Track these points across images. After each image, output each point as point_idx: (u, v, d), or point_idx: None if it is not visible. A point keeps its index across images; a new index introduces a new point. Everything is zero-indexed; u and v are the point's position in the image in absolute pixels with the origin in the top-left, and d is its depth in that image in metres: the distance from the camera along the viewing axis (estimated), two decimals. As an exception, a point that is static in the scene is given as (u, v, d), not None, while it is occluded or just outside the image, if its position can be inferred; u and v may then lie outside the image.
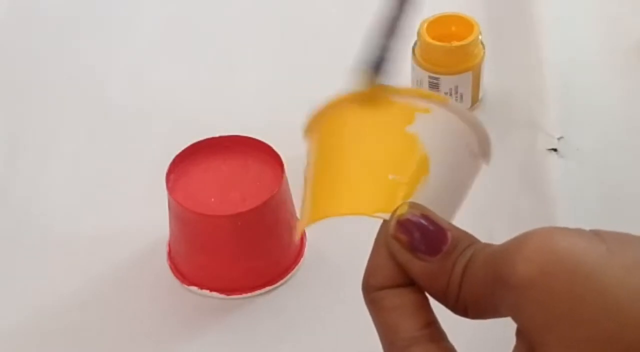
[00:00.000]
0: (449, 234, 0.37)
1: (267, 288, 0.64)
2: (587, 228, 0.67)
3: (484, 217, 0.67)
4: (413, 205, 0.38)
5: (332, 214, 0.39)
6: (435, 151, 0.39)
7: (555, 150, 0.71)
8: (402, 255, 0.37)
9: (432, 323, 0.37)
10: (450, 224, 0.37)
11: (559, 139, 0.72)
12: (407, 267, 0.37)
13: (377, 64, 0.39)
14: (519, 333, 0.35)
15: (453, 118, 0.40)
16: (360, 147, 0.40)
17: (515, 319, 0.34)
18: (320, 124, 0.42)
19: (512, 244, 0.34)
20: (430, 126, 0.39)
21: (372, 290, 0.38)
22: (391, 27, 0.39)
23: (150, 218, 0.67)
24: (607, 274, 0.32)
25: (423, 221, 0.37)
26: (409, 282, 0.38)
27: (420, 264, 0.37)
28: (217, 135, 0.64)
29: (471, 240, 0.37)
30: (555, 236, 0.33)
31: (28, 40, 0.85)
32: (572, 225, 0.68)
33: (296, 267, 0.65)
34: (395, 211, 0.38)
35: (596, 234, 0.34)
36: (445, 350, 0.36)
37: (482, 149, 0.41)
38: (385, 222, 0.38)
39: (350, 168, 0.40)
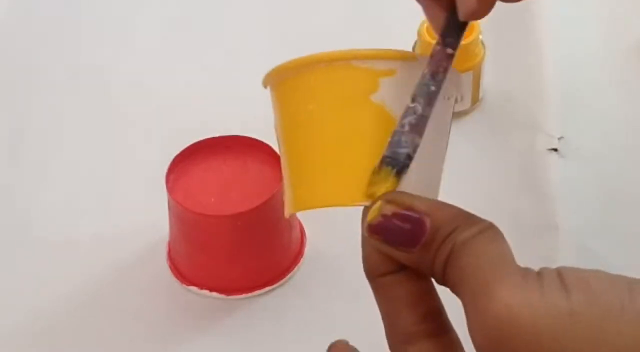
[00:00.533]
0: (427, 223, 0.35)
1: (267, 288, 0.64)
2: (587, 228, 0.67)
3: (484, 217, 0.67)
4: (386, 201, 0.36)
5: (311, 206, 0.38)
6: None
7: (555, 150, 0.71)
8: (384, 248, 0.36)
9: (432, 314, 0.37)
10: (431, 204, 0.36)
11: (559, 139, 0.72)
12: (393, 257, 0.36)
13: (403, 163, 0.37)
14: None
15: (419, 72, 0.38)
16: (328, 125, 0.37)
17: None
18: (284, 81, 0.39)
19: (471, 310, 0.33)
20: (396, 89, 0.37)
21: (373, 277, 0.37)
22: (419, 125, 0.38)
23: (150, 218, 0.67)
24: (573, 339, 0.31)
25: (396, 220, 0.36)
26: (405, 266, 0.37)
27: (403, 255, 0.36)
28: (217, 135, 0.64)
29: (452, 225, 0.35)
30: (514, 300, 0.32)
31: (28, 40, 0.84)
32: (572, 224, 0.68)
33: (296, 267, 0.65)
34: (368, 208, 0.36)
35: (560, 286, 0.33)
36: (444, 345, 0.36)
37: (452, 87, 0.40)
38: (365, 209, 0.37)
39: (322, 152, 0.38)
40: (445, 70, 0.39)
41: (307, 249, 0.66)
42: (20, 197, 0.71)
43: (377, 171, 0.37)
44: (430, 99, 0.38)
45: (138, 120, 0.77)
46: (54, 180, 0.72)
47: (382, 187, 0.37)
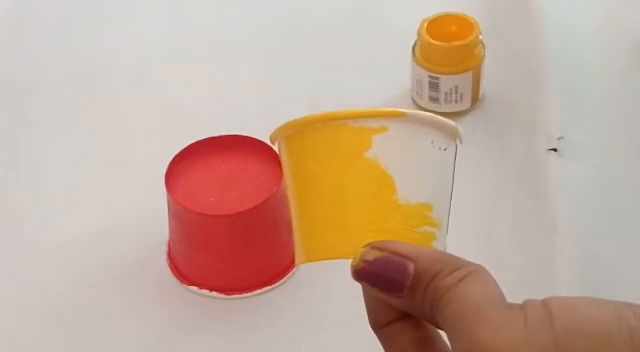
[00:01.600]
0: (411, 268, 0.35)
1: (267, 288, 0.64)
2: (587, 228, 0.67)
3: (484, 217, 0.67)
4: (368, 249, 0.37)
5: (316, 259, 0.40)
6: (399, 169, 0.38)
7: (555, 150, 0.71)
8: (379, 295, 0.37)
9: None
10: (416, 250, 0.36)
11: (559, 139, 0.72)
12: (389, 303, 0.37)
13: None
14: None
15: (410, 127, 0.39)
16: (326, 182, 0.39)
17: None
18: (288, 139, 0.40)
19: (455, 338, 0.34)
20: (388, 145, 0.38)
21: (377, 328, 0.38)
22: None
23: (150, 218, 0.67)
24: None
25: (376, 267, 0.36)
26: (407, 314, 0.37)
27: (397, 301, 0.36)
28: (217, 135, 0.64)
29: (436, 270, 0.35)
30: (497, 339, 0.32)
31: (28, 40, 0.85)
32: (572, 224, 0.68)
33: (296, 267, 0.65)
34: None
35: (544, 317, 0.32)
36: None
37: (450, 138, 0.40)
38: None
39: (323, 208, 0.39)
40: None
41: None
42: (19, 196, 0.71)
43: None
44: None
45: (138, 120, 0.77)
46: (54, 180, 0.72)
47: None
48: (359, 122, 0.38)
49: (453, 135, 0.40)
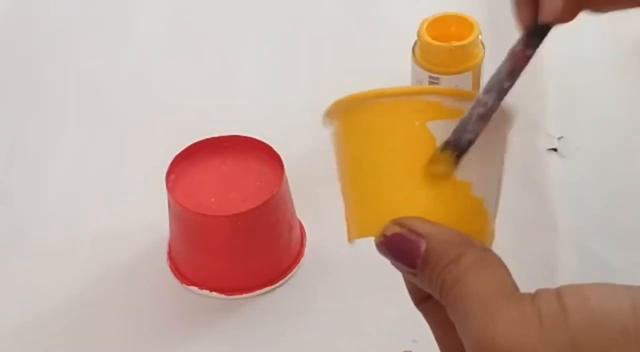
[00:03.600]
0: (422, 246, 0.36)
1: (267, 288, 0.64)
2: (587, 228, 0.67)
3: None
4: (390, 223, 0.38)
5: (368, 234, 0.40)
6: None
7: (555, 150, 0.71)
8: (395, 266, 0.38)
9: None
10: (431, 229, 0.37)
11: (559, 139, 0.72)
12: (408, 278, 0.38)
13: (463, 148, 0.39)
14: None
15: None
16: (388, 159, 0.39)
17: None
18: (351, 116, 0.41)
19: (467, 344, 0.34)
20: (448, 129, 0.39)
21: (415, 303, 0.40)
22: (486, 117, 0.40)
23: (150, 218, 0.68)
24: None
25: (392, 242, 0.37)
26: None
27: (412, 277, 0.38)
28: (217, 135, 0.64)
29: (446, 251, 0.36)
30: (513, 341, 0.32)
31: (29, 40, 0.85)
32: (572, 224, 0.68)
33: (296, 267, 0.65)
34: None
35: (559, 310, 0.32)
36: None
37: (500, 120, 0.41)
38: None
39: (383, 185, 0.40)
40: (522, 70, 0.42)
41: (307, 249, 0.66)
42: (19, 197, 0.71)
43: (439, 153, 0.39)
44: (501, 94, 0.41)
45: (138, 120, 0.77)
46: (54, 180, 0.72)
47: (441, 168, 0.38)
48: (437, 98, 0.39)
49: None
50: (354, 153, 0.40)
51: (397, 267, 0.38)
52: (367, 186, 0.40)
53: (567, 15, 0.41)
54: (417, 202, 0.39)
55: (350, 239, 0.41)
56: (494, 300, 0.33)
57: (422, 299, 0.40)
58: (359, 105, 0.40)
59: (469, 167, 0.39)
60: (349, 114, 0.40)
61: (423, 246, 0.36)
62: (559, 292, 0.33)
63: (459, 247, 0.36)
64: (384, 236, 0.37)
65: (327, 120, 0.42)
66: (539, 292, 0.33)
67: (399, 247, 0.37)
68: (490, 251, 0.36)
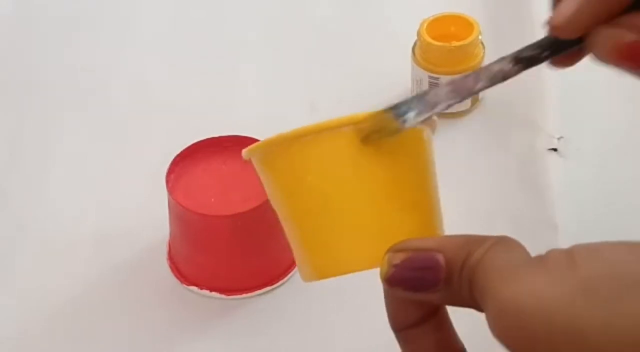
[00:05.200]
0: (441, 260, 0.35)
1: (267, 288, 0.64)
2: (587, 228, 0.67)
3: (484, 217, 0.67)
4: (392, 253, 0.36)
5: (333, 274, 0.39)
6: (401, 167, 0.38)
7: (555, 150, 0.71)
8: (414, 296, 0.36)
9: None
10: (439, 240, 0.36)
11: (559, 139, 0.72)
12: (427, 301, 0.37)
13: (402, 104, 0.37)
14: None
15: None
16: (333, 192, 0.38)
17: None
18: (271, 157, 0.39)
19: (487, 315, 0.33)
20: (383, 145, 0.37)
21: (397, 330, 0.38)
22: (460, 93, 0.38)
23: (150, 218, 0.67)
24: (589, 318, 0.30)
25: (407, 269, 0.36)
26: (429, 316, 0.37)
27: (434, 296, 0.36)
28: (217, 135, 0.64)
29: (465, 253, 0.35)
30: (519, 291, 0.32)
31: (29, 40, 0.85)
32: (572, 224, 0.68)
33: (296, 267, 0.65)
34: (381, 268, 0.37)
35: (568, 264, 0.32)
36: None
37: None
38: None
39: (331, 221, 0.38)
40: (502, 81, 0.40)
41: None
42: (20, 197, 0.71)
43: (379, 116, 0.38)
44: (494, 82, 0.39)
45: (138, 120, 0.77)
46: (54, 180, 0.72)
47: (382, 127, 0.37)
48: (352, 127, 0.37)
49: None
50: (294, 195, 0.39)
51: (414, 294, 0.36)
52: (319, 224, 0.38)
53: (572, 29, 0.39)
54: (394, 222, 0.37)
55: (310, 280, 0.39)
56: (508, 266, 0.33)
57: (405, 327, 0.37)
58: (282, 149, 0.38)
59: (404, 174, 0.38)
60: (272, 157, 0.39)
61: (441, 258, 0.35)
62: (569, 249, 0.32)
63: (477, 242, 0.35)
64: (394, 266, 0.36)
65: (251, 160, 0.41)
66: (550, 251, 0.33)
67: (416, 271, 0.35)
68: (507, 236, 0.35)
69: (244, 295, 0.63)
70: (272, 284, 0.64)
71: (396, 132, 0.37)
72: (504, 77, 0.39)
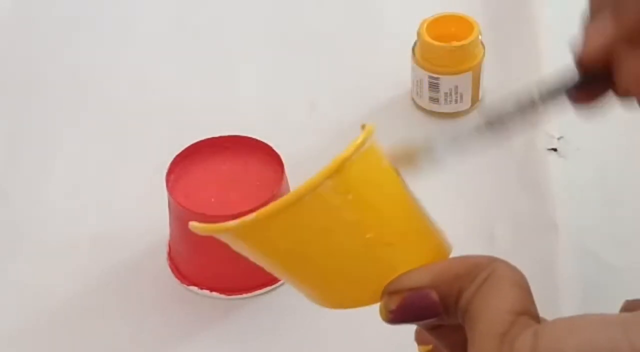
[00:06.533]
0: (434, 296, 0.35)
1: (267, 288, 0.64)
2: (587, 228, 0.67)
3: (484, 217, 0.67)
4: (386, 297, 0.37)
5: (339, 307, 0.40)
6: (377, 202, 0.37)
7: (555, 150, 0.71)
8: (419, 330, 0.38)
9: None
10: (432, 276, 0.36)
11: (558, 139, 0.72)
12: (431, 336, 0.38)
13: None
14: None
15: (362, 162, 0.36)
16: (322, 253, 0.37)
17: None
18: (251, 233, 0.39)
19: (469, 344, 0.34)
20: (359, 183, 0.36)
21: (427, 330, 0.39)
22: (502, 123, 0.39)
23: (150, 218, 0.67)
24: None
25: (403, 313, 0.36)
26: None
27: (439, 322, 0.36)
28: (217, 135, 0.64)
29: (455, 292, 0.35)
30: None
31: (29, 40, 0.85)
32: (572, 224, 0.68)
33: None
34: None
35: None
36: None
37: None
38: None
39: (328, 271, 0.38)
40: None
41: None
42: (19, 197, 0.71)
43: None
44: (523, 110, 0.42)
45: (138, 120, 0.77)
46: (54, 180, 0.72)
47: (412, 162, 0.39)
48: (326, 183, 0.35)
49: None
50: (291, 254, 0.38)
51: (423, 324, 0.37)
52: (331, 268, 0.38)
53: (595, 53, 0.41)
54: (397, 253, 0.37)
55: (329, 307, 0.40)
56: (486, 333, 0.33)
57: (435, 326, 0.38)
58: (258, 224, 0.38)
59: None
60: (260, 231, 0.39)
61: (435, 296, 0.35)
62: (536, 340, 0.32)
63: (470, 275, 0.35)
64: (391, 312, 0.36)
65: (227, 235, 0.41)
66: (518, 335, 0.32)
67: (414, 310, 0.36)
68: (496, 268, 0.35)
69: (244, 295, 0.63)
70: (272, 284, 0.64)
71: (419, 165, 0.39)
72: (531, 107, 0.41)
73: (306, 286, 0.40)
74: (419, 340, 0.41)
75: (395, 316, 0.36)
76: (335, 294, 0.39)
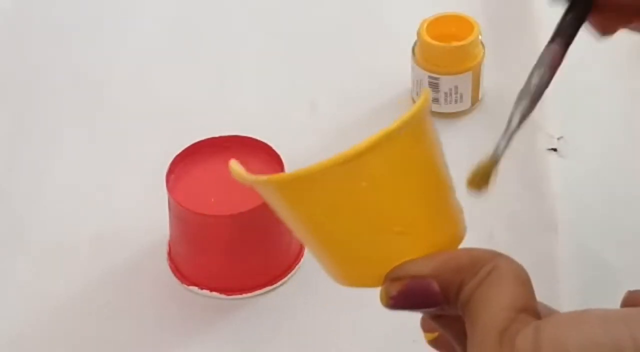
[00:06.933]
0: (435, 287, 0.35)
1: (267, 288, 0.64)
2: (587, 228, 0.67)
3: (484, 217, 0.67)
4: (388, 283, 0.37)
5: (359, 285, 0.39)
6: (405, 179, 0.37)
7: (555, 150, 0.71)
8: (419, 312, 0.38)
9: None
10: (434, 265, 0.36)
11: (558, 139, 0.72)
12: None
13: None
14: None
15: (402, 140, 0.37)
16: (348, 224, 0.37)
17: None
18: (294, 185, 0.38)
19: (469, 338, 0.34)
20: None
21: (432, 319, 0.39)
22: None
23: (150, 218, 0.67)
24: None
25: (403, 299, 0.36)
26: None
27: (433, 310, 0.37)
28: (217, 135, 0.64)
29: (459, 280, 0.35)
30: None
31: (29, 40, 0.85)
32: (572, 224, 0.68)
33: (296, 267, 0.65)
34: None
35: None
36: None
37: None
38: None
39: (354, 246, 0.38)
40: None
41: (308, 249, 0.66)
42: (19, 197, 0.71)
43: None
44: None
45: (138, 120, 0.77)
46: (54, 180, 0.72)
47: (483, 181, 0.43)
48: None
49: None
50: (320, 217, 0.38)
51: (425, 313, 0.37)
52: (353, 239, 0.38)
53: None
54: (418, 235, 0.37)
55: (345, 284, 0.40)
56: (487, 331, 0.33)
57: (438, 315, 0.38)
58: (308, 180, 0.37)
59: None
60: (297, 187, 0.38)
61: (436, 286, 0.35)
62: (536, 338, 0.32)
63: (473, 268, 0.35)
64: (391, 298, 0.36)
65: (264, 187, 0.40)
66: (519, 333, 0.32)
67: (414, 298, 0.36)
68: (500, 263, 0.35)
69: (244, 295, 0.63)
70: (273, 284, 0.64)
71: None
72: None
73: (323, 254, 0.40)
74: (425, 327, 0.41)
75: (395, 302, 0.36)
76: (347, 270, 0.39)
